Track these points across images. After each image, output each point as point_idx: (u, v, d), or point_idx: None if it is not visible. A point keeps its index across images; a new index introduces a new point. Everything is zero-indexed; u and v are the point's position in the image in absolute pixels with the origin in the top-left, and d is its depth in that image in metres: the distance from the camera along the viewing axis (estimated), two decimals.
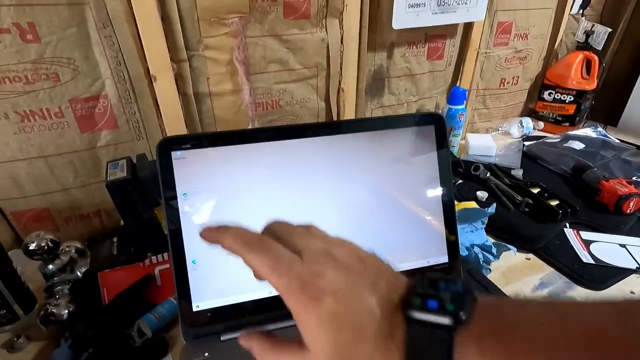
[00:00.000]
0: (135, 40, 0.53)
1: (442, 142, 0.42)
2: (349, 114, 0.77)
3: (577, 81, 0.96)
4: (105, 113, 0.56)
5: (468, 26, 0.83)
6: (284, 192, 0.39)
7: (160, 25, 0.53)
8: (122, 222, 0.61)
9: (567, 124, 1.00)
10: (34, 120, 0.52)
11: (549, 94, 1.00)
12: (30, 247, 0.46)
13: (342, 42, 0.69)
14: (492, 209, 0.58)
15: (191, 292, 0.37)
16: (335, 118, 0.76)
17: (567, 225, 0.64)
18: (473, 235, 0.59)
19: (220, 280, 0.38)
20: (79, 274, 0.50)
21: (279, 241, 0.22)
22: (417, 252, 0.43)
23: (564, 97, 0.98)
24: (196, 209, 0.37)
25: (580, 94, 0.96)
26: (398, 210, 0.42)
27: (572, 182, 0.77)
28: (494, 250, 0.56)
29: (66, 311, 0.45)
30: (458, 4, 0.74)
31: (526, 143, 0.92)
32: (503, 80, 0.95)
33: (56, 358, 0.41)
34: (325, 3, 0.64)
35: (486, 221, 0.59)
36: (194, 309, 0.38)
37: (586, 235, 0.62)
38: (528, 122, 0.98)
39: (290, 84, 0.69)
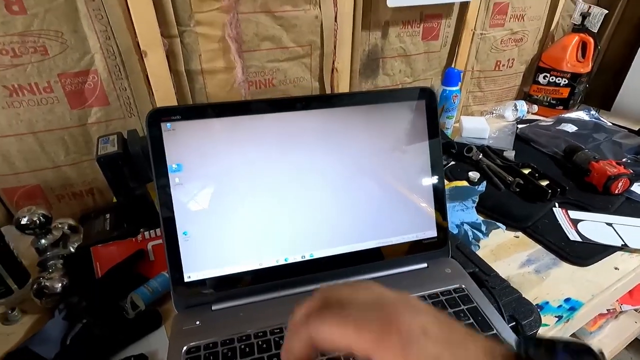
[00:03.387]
0: (124, 14, 0.52)
1: (432, 116, 0.42)
2: None
3: (572, 64, 0.95)
4: (96, 89, 0.55)
5: (464, 6, 0.82)
6: (275, 165, 0.39)
7: None
8: (114, 200, 0.61)
9: (561, 107, 1.01)
10: (23, 95, 0.51)
11: (544, 77, 1.00)
12: (22, 222, 0.46)
13: (335, 20, 0.69)
14: (482, 187, 0.59)
15: (182, 263, 0.38)
16: None
17: (557, 204, 0.65)
18: (463, 214, 0.59)
19: (211, 251, 0.39)
20: (71, 249, 0.50)
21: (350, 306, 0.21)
22: (406, 226, 0.44)
23: (559, 80, 0.98)
24: (187, 181, 0.37)
25: (574, 77, 0.96)
26: (387, 184, 0.43)
27: (563, 163, 0.77)
28: (483, 227, 0.57)
29: (59, 284, 0.45)
30: None
31: (520, 126, 0.92)
32: (498, 63, 0.95)
33: (49, 329, 0.41)
34: None
35: (477, 200, 0.60)
36: (186, 279, 0.38)
37: (574, 214, 0.63)
38: (522, 105, 0.98)
39: (284, 62, 0.69)
